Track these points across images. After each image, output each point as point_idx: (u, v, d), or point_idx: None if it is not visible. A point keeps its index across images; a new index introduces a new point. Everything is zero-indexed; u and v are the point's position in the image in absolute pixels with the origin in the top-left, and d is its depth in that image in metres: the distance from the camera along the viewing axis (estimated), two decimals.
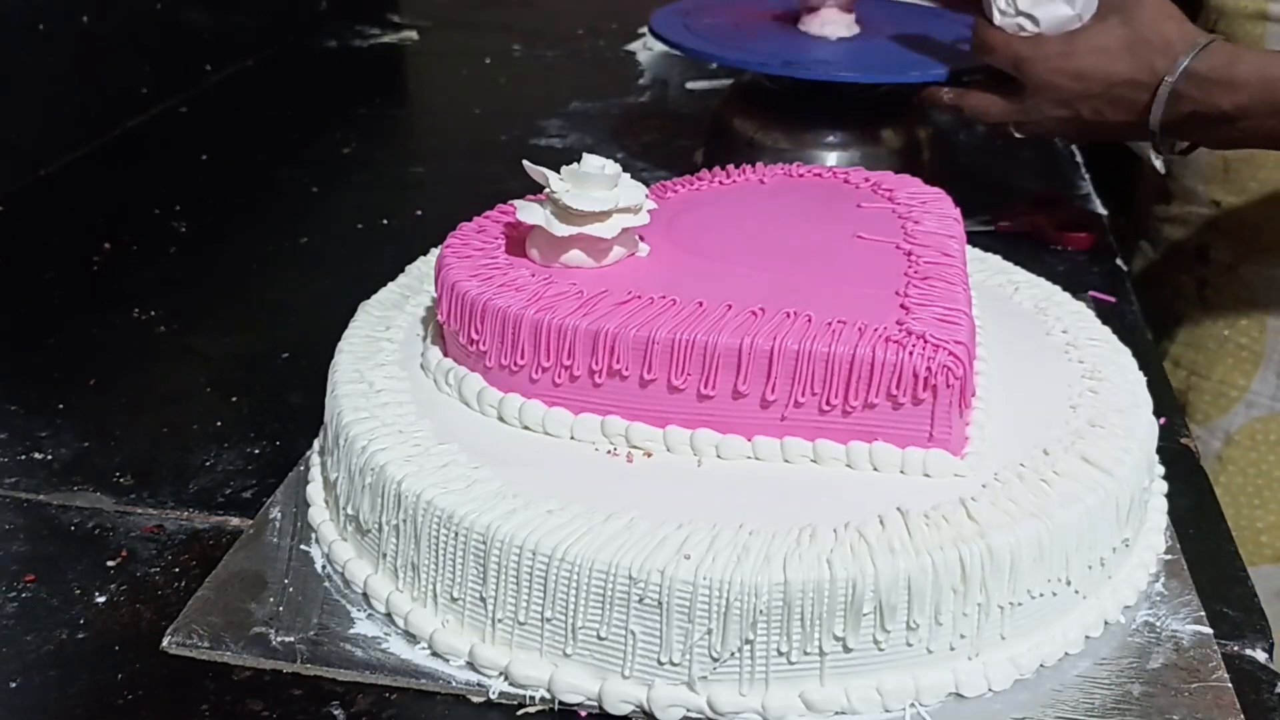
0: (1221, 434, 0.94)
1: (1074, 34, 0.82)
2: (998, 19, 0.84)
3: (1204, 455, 0.90)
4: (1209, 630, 0.56)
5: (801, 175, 0.76)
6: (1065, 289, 0.74)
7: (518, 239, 0.64)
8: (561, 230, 0.60)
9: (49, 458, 0.69)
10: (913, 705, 0.51)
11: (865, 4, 1.06)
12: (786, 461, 0.56)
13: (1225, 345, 0.96)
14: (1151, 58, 0.78)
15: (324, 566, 0.59)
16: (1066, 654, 0.54)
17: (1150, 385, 0.64)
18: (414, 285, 0.71)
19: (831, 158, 0.99)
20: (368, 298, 0.70)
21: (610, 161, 0.61)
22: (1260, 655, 0.56)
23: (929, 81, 0.94)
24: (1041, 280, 0.75)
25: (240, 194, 1.07)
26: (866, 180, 0.74)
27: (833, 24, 1.03)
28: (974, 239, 0.78)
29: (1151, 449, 0.60)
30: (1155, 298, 1.00)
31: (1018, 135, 0.88)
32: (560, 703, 0.52)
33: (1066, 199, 1.05)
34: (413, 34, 1.53)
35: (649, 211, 0.63)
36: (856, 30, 1.04)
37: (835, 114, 0.99)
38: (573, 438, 0.58)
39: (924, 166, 0.99)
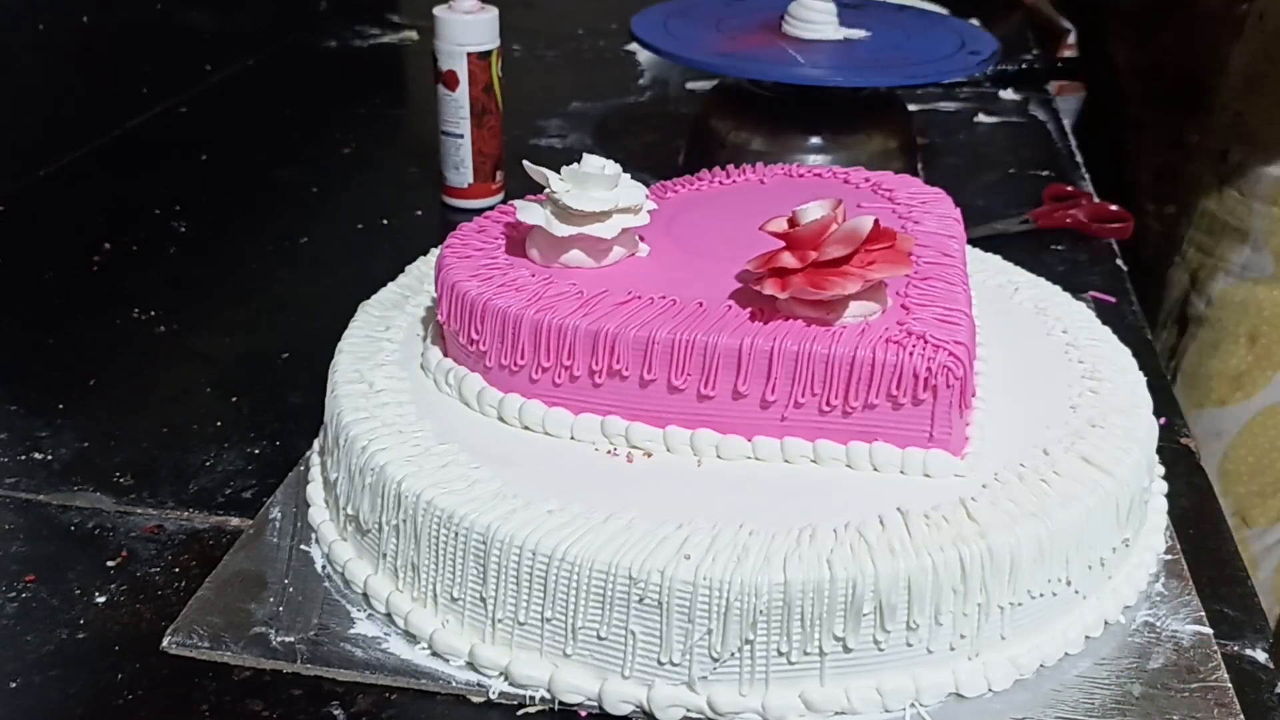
0: (1206, 297, 1.07)
1: None
2: None
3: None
4: (1209, 630, 0.56)
5: (802, 175, 0.76)
6: (1065, 289, 0.74)
7: (518, 239, 0.64)
8: (561, 230, 0.60)
9: (49, 458, 0.69)
10: (913, 705, 0.51)
11: (853, 8, 1.06)
12: (786, 462, 0.56)
13: (1224, 223, 1.08)
14: None
15: (324, 566, 0.59)
16: (1066, 654, 0.54)
17: (1150, 385, 0.64)
18: (414, 285, 0.71)
19: (808, 160, 0.99)
20: (368, 298, 0.70)
21: (610, 161, 0.61)
22: (1260, 655, 0.56)
23: (908, 85, 0.94)
24: (1041, 280, 0.75)
25: (240, 194, 1.07)
26: (866, 180, 0.74)
27: (817, 26, 1.03)
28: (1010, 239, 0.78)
29: (1151, 449, 0.60)
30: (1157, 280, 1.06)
31: None
32: (560, 703, 0.52)
33: (1084, 193, 1.05)
34: (413, 34, 1.53)
35: (649, 211, 0.63)
36: (842, 35, 1.04)
37: (813, 117, 0.99)
38: (573, 438, 0.58)
39: (907, 171, 0.99)
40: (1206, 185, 1.13)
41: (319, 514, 0.61)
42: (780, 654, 0.49)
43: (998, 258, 0.78)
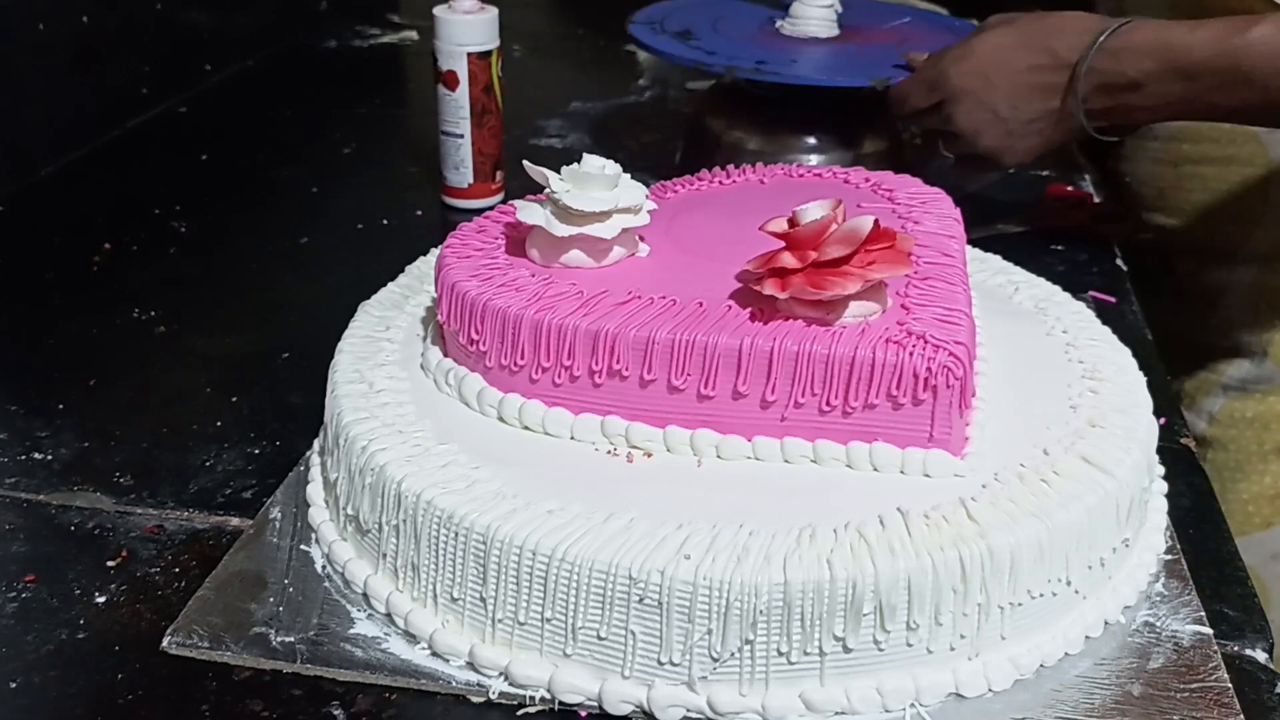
0: (1206, 415, 1.00)
1: (969, 41, 0.88)
2: None
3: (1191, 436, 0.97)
4: (1209, 630, 0.56)
5: (801, 175, 0.76)
6: (1065, 289, 0.74)
7: (518, 239, 0.64)
8: (561, 230, 0.60)
9: (49, 458, 0.69)
10: (913, 705, 0.51)
11: (848, 6, 1.06)
12: (786, 462, 0.56)
13: (1205, 340, 1.01)
14: (1049, 42, 0.84)
15: (324, 566, 0.59)
16: (1066, 654, 0.54)
17: (1150, 385, 0.64)
18: (414, 285, 0.71)
19: (804, 160, 0.99)
20: (368, 298, 0.70)
21: (610, 161, 0.61)
22: (1260, 655, 0.56)
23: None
24: (1041, 280, 0.75)
25: (240, 194, 1.07)
26: (867, 180, 0.74)
27: (811, 25, 1.03)
28: (1010, 239, 0.82)
29: (1151, 449, 0.60)
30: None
31: (946, 153, 0.93)
32: (560, 703, 0.52)
33: (1083, 193, 1.06)
34: (413, 34, 1.53)
35: (649, 211, 0.63)
36: (836, 33, 1.04)
37: (808, 116, 0.99)
38: (573, 438, 0.58)
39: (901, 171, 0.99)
40: (1161, 295, 1.06)
41: (319, 514, 0.61)
42: (780, 654, 0.49)
43: (998, 258, 0.78)
